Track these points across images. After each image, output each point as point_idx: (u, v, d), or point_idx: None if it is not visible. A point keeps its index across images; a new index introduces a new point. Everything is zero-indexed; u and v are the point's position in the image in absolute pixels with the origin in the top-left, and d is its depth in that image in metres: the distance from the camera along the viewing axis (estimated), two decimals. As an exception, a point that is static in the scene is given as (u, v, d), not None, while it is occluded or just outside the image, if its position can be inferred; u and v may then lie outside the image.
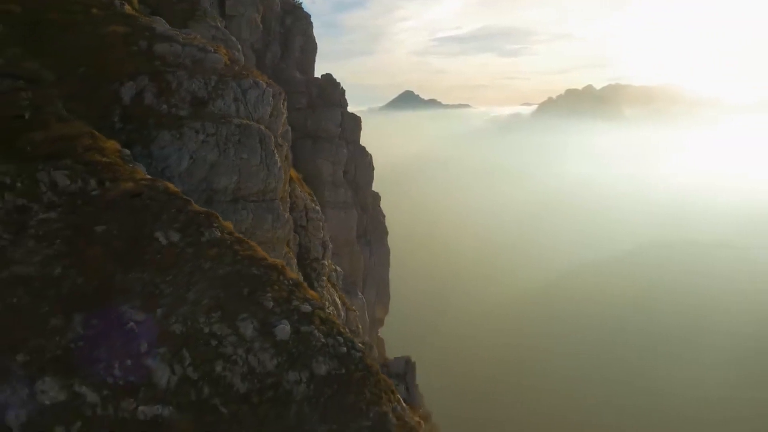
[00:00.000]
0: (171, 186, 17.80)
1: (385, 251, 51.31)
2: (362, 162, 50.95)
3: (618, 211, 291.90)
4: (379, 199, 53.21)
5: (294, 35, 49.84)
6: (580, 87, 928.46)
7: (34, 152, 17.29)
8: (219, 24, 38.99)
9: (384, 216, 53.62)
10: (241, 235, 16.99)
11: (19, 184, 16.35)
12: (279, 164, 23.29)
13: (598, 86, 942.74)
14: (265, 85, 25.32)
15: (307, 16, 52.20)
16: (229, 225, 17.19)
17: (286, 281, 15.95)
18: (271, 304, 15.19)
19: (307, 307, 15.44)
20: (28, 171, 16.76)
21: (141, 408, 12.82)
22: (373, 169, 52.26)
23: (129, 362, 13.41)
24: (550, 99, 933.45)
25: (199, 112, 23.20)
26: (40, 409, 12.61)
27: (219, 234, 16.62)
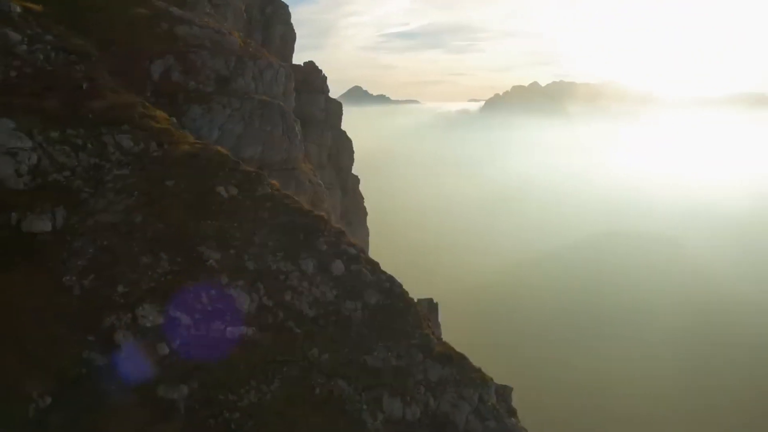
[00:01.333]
0: (221, 149, 19.96)
1: (365, 232, 53.74)
2: (344, 146, 53.51)
3: (563, 205, 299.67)
4: (359, 182, 55.82)
5: (274, 24, 51.77)
6: (526, 84, 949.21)
7: (95, 119, 19.17)
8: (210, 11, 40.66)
9: (363, 198, 56.18)
10: (287, 192, 19.29)
11: (89, 145, 18.30)
12: (299, 136, 25.62)
13: (543, 83, 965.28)
14: (278, 66, 27.52)
15: (286, 6, 54.20)
16: (276, 183, 19.46)
17: (332, 229, 18.35)
18: (324, 246, 17.59)
19: (353, 250, 17.90)
20: (94, 134, 18.70)
21: (229, 329, 15.07)
22: (353, 152, 54.94)
23: (213, 292, 15.64)
24: (497, 95, 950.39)
25: (223, 88, 25.28)
26: (143, 331, 14.74)
27: (269, 190, 18.90)
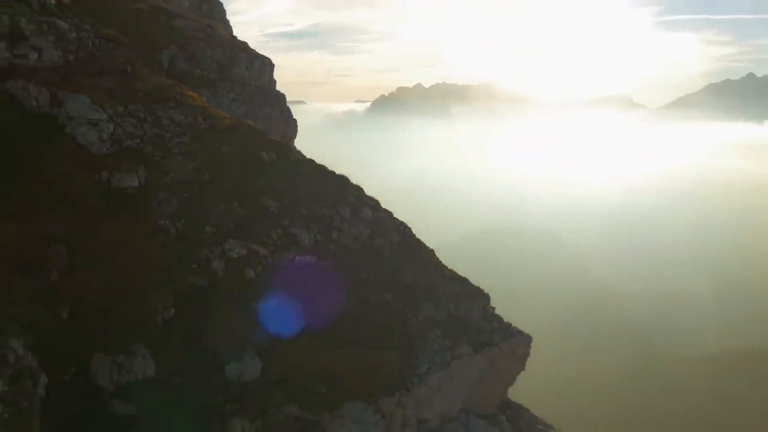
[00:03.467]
0: (251, 123, 23.87)
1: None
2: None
3: (448, 203, 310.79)
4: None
5: (213, 18, 54.36)
6: (410, 85, 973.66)
7: (146, 96, 22.56)
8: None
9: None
10: (311, 158, 23.53)
11: (149, 118, 21.72)
12: (294, 117, 29.69)
13: (426, 85, 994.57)
14: (264, 57, 31.40)
15: (221, 3, 56.94)
16: (300, 151, 23.63)
17: (353, 186, 22.81)
18: (352, 198, 22.05)
19: (372, 202, 22.47)
20: (150, 109, 22.10)
21: (297, 258, 19.27)
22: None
23: (279, 231, 19.75)
24: (382, 96, 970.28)
25: (224, 76, 28.94)
26: (230, 261, 18.65)
27: (298, 156, 23.08)
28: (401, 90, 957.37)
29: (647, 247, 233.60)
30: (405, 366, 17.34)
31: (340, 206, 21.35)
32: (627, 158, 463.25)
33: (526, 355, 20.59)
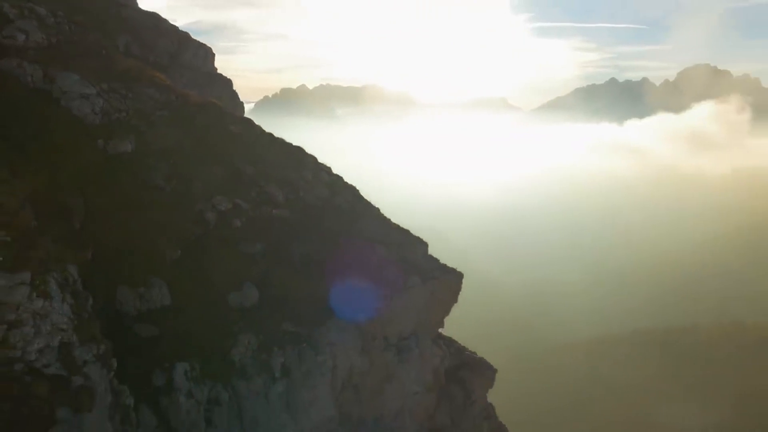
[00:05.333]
0: (215, 101, 27.12)
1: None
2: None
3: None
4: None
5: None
6: (294, 86, 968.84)
7: (123, 76, 25.31)
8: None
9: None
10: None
11: (130, 95, 24.54)
12: (240, 101, 32.92)
13: (311, 86, 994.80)
14: (207, 46, 34.42)
15: None
16: (260, 126, 27.15)
17: (309, 154, 26.64)
18: (311, 164, 25.91)
19: (326, 168, 26.42)
20: (129, 87, 24.91)
21: (274, 210, 22.94)
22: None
23: (257, 189, 23.31)
24: (266, 97, 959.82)
25: (175, 62, 31.78)
26: (220, 213, 22.04)
27: (258, 129, 26.62)
28: (285, 91, 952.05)
29: (526, 243, 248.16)
30: (375, 291, 21.49)
31: (302, 170, 25.17)
32: (505, 158, 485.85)
33: (459, 289, 25.26)
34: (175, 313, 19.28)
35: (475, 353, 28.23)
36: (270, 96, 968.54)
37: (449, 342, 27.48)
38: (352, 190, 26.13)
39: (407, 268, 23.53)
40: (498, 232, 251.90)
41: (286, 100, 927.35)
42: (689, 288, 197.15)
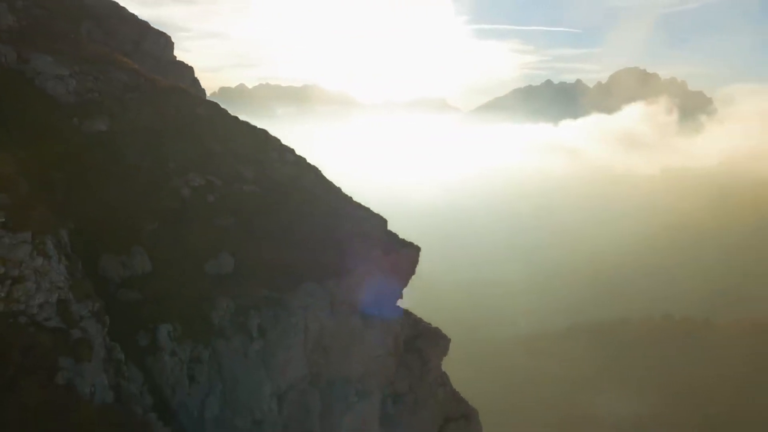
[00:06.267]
0: (181, 86, 28.20)
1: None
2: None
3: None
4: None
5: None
6: (233, 85, 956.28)
7: (93, 59, 26.17)
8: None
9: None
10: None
11: (101, 77, 25.45)
12: (202, 87, 33.92)
13: (250, 85, 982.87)
14: (166, 35, 35.30)
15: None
16: (225, 110, 28.39)
17: (274, 137, 28.05)
18: (276, 145, 27.33)
19: (291, 148, 27.89)
20: (100, 69, 25.79)
21: (244, 187, 24.29)
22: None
23: (227, 167, 24.60)
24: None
25: (137, 49, 32.61)
26: (194, 188, 23.26)
27: (224, 113, 27.88)
28: (224, 90, 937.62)
29: (466, 242, 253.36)
30: (341, 261, 23.14)
31: (268, 151, 26.59)
32: (445, 158, 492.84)
33: (417, 262, 27.12)
34: (156, 279, 20.46)
35: (430, 324, 30.16)
36: (209, 95, 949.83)
37: (407, 313, 29.30)
38: (316, 170, 27.67)
39: (370, 241, 25.25)
40: (439, 232, 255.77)
41: (225, 99, 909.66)
42: (621, 285, 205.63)
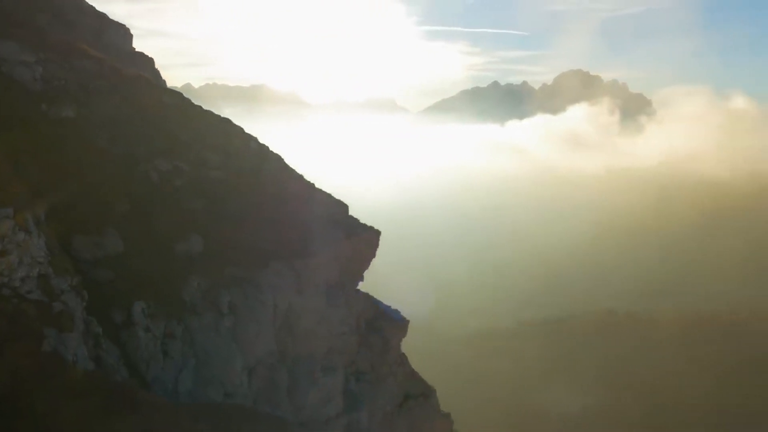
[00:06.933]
0: (145, 75, 28.74)
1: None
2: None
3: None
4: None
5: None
6: (179, 85, 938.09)
7: (55, 47, 26.50)
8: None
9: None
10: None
11: (66, 65, 25.83)
12: (163, 78, 34.35)
13: (196, 85, 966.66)
14: (126, 26, 35.64)
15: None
16: (189, 99, 29.05)
17: (237, 126, 28.84)
18: (240, 134, 28.15)
19: (254, 137, 28.73)
20: (64, 59, 26.16)
21: (211, 172, 25.07)
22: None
23: (193, 153, 25.33)
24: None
25: (99, 40, 32.89)
26: (162, 173, 23.94)
27: (188, 102, 28.55)
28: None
29: (417, 242, 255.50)
30: (306, 243, 24.18)
31: (232, 138, 27.41)
32: (396, 159, 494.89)
33: (377, 245, 28.37)
34: (128, 259, 21.12)
35: (389, 306, 31.42)
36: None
37: (367, 295, 30.50)
38: (278, 158, 28.62)
39: (333, 224, 26.37)
40: (390, 231, 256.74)
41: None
42: (567, 282, 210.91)
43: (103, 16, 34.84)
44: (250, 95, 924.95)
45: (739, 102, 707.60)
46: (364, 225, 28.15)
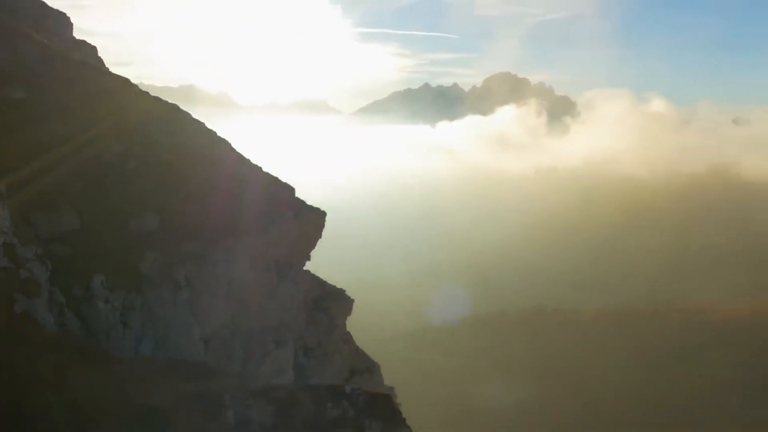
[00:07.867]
0: (87, 61, 29.13)
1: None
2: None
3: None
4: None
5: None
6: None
7: (3, 34, 26.69)
8: None
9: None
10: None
11: (12, 49, 26.07)
12: (106, 64, 34.61)
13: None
14: (66, 15, 35.69)
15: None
16: (136, 85, 29.62)
17: (184, 111, 29.61)
18: (189, 119, 28.94)
19: (202, 122, 29.58)
20: (11, 44, 26.38)
21: (161, 154, 25.85)
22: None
23: (145, 135, 26.05)
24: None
25: (40, 27, 32.91)
26: (114, 155, 24.59)
27: (136, 88, 29.15)
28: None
29: (350, 242, 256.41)
30: (257, 220, 25.31)
31: (181, 123, 28.22)
32: (328, 160, 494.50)
33: (323, 225, 29.66)
34: (85, 235, 21.75)
35: (335, 285, 32.79)
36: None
37: (313, 276, 31.79)
38: (226, 143, 29.55)
39: (281, 204, 27.55)
40: (324, 232, 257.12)
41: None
42: (498, 280, 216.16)
43: (43, 4, 34.79)
44: (179, 96, 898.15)
45: (658, 105, 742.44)
46: (311, 206, 29.41)
